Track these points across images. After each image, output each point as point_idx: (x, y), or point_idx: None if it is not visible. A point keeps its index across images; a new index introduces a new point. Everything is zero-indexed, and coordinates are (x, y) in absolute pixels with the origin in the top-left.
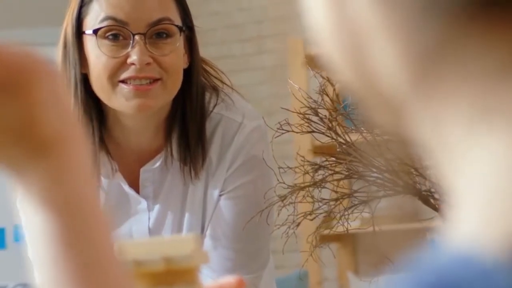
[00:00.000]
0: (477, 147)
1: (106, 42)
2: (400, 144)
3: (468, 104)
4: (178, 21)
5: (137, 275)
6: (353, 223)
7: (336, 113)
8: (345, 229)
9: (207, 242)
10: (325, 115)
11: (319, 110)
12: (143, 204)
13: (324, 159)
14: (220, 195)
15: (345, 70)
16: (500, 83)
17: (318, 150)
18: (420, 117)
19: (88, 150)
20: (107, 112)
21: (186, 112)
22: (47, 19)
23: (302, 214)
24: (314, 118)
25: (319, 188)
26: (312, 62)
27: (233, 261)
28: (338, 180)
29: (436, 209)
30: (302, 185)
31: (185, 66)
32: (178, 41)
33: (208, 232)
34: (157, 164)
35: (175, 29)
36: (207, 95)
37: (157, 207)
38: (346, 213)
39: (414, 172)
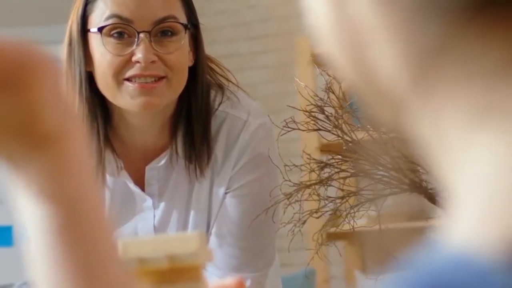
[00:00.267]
0: (476, 146)
1: (111, 40)
2: (405, 142)
3: (468, 103)
4: (183, 19)
5: (141, 273)
6: (360, 221)
7: (342, 111)
8: (351, 227)
9: (213, 240)
10: (331, 113)
11: (325, 108)
12: (149, 202)
13: (330, 157)
14: (225, 193)
15: (346, 68)
16: (500, 82)
17: (325, 148)
18: (420, 115)
19: (89, 145)
20: (112, 110)
21: (192, 110)
22: (52, 17)
23: (308, 212)
24: (320, 116)
25: (325, 186)
26: (318, 60)
27: (239, 259)
28: (344, 178)
29: (442, 207)
30: (308, 183)
31: (190, 64)
32: (183, 39)
33: (213, 230)
34: (162, 162)
35: (180, 27)
36: (213, 93)
37: (162, 205)
38: (352, 211)
39: (420, 170)
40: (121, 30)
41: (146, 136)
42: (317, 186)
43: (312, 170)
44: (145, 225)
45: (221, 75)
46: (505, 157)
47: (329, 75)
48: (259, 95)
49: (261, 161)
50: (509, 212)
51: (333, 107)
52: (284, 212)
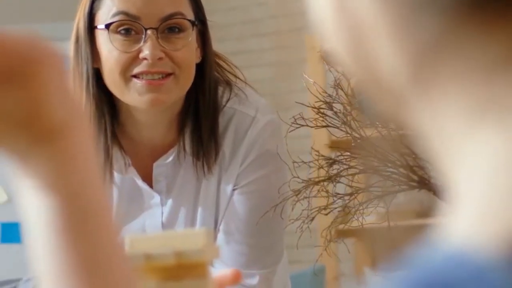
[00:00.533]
0: (476, 142)
1: (118, 36)
2: (413, 138)
3: (467, 98)
4: (190, 15)
5: (148, 269)
6: (369, 218)
7: (351, 108)
8: (360, 224)
9: (221, 237)
10: (340, 110)
11: (334, 105)
12: (156, 198)
13: (339, 153)
14: (233, 190)
15: (349, 63)
16: (499, 77)
17: (334, 145)
18: (420, 110)
19: (95, 139)
20: (120, 107)
21: (199, 107)
22: (59, 14)
23: (317, 209)
24: (329, 113)
25: (334, 183)
26: (327, 56)
27: (247, 256)
28: (353, 174)
29: (447, 204)
30: (317, 179)
31: (198, 60)
32: (191, 36)
33: (221, 227)
34: (170, 158)
35: (188, 24)
36: (220, 90)
37: (170, 202)
38: (360, 207)
39: (429, 167)
40: (128, 27)
41: (153, 133)
42: (325, 183)
43: (321, 167)
44: (153, 222)
45: (229, 72)
46: (505, 153)
47: (337, 72)
48: (269, 92)
49: (269, 157)
50: (508, 209)
51: (342, 103)
52: (292, 209)
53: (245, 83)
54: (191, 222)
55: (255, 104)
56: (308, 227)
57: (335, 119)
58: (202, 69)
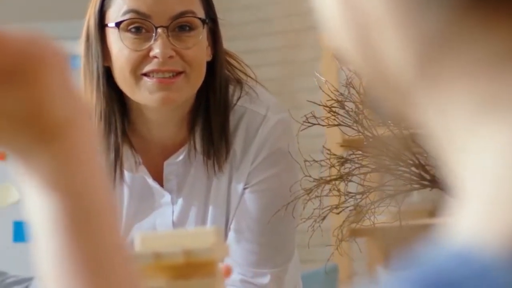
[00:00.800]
0: (481, 137)
1: (128, 35)
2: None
3: (473, 93)
4: (201, 13)
5: (157, 268)
6: (382, 217)
7: (363, 106)
8: (372, 223)
9: (232, 235)
10: (352, 108)
11: (346, 103)
12: (167, 197)
13: (351, 152)
14: (244, 189)
15: (356, 60)
16: (504, 72)
17: (347, 144)
18: (425, 106)
19: (97, 138)
20: (130, 105)
21: (210, 105)
22: (70, 12)
23: (328, 208)
24: (341, 111)
25: (346, 182)
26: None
27: (258, 255)
28: (365, 173)
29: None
30: (328, 178)
31: (209, 59)
32: (201, 34)
33: (232, 226)
34: (181, 157)
35: (198, 22)
36: (231, 88)
37: (180, 201)
38: (372, 206)
39: (438, 165)
40: (139, 25)
41: (164, 131)
42: (337, 182)
43: (333, 166)
44: (164, 221)
45: (240, 70)
46: (511, 149)
47: (349, 70)
48: (281, 90)
49: (280, 156)
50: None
51: (354, 102)
52: (304, 208)
53: (256, 81)
54: (202, 221)
55: (266, 103)
56: (319, 226)
57: (347, 118)
58: (213, 67)
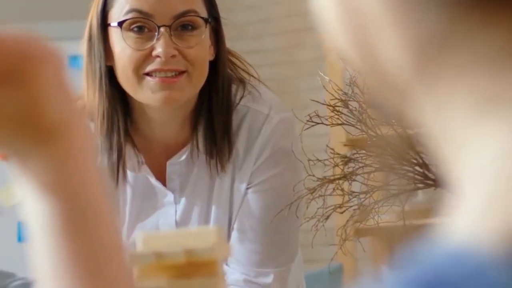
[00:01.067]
0: (480, 136)
1: (131, 34)
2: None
3: (472, 92)
4: (203, 12)
5: (159, 267)
6: (387, 217)
7: (367, 106)
8: (376, 223)
9: (235, 235)
10: (355, 107)
11: (350, 103)
12: (170, 197)
13: (354, 151)
14: (247, 188)
15: (355, 59)
16: (504, 70)
17: (352, 143)
18: (424, 104)
19: (93, 137)
20: (133, 105)
21: (212, 105)
22: (70, 12)
23: (332, 207)
24: (344, 111)
25: (349, 181)
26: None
27: (261, 255)
28: (369, 173)
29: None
30: (332, 177)
31: (211, 58)
32: (204, 33)
33: (235, 226)
34: (183, 157)
35: (201, 21)
36: (234, 87)
37: (183, 200)
38: (376, 206)
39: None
40: (141, 25)
41: (167, 131)
42: (341, 181)
43: (336, 165)
44: (167, 220)
45: (243, 69)
46: (510, 147)
47: (354, 69)
48: (286, 90)
49: (283, 155)
50: (510, 206)
51: (357, 101)
52: (307, 207)
53: (259, 80)
54: (205, 221)
55: (268, 102)
56: (323, 225)
57: (351, 117)
58: (215, 66)
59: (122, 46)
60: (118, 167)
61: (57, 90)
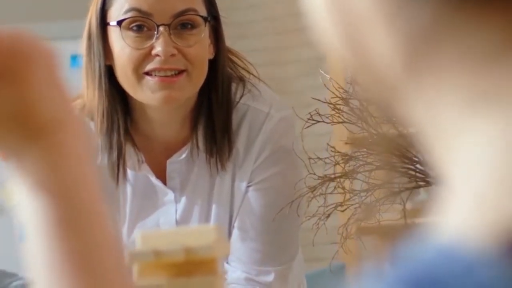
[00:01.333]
0: (471, 132)
1: (130, 33)
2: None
3: (462, 87)
4: (203, 11)
5: (158, 265)
6: (390, 215)
7: (368, 104)
8: (377, 221)
9: (236, 234)
10: (356, 106)
11: (351, 101)
12: (170, 195)
13: (355, 150)
14: (247, 187)
15: (345, 55)
16: (495, 66)
17: (352, 141)
18: (414, 101)
19: (86, 134)
20: (133, 104)
21: (212, 103)
22: (70, 12)
23: (333, 206)
24: (345, 109)
25: (350, 179)
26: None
27: (262, 253)
28: (370, 171)
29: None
30: (333, 176)
31: (211, 56)
32: (203, 32)
33: (236, 224)
34: (184, 155)
35: (200, 20)
36: (234, 86)
37: (184, 199)
38: (377, 204)
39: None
40: (140, 23)
41: (167, 129)
42: (342, 179)
43: (337, 163)
44: (167, 219)
45: (242, 68)
46: (500, 143)
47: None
48: (290, 89)
49: (283, 154)
50: (500, 203)
51: (358, 99)
52: (308, 206)
53: (259, 79)
54: (206, 219)
55: (268, 100)
56: (324, 224)
57: (352, 115)
58: (215, 65)
59: (122, 45)
60: (118, 166)
61: (50, 89)
